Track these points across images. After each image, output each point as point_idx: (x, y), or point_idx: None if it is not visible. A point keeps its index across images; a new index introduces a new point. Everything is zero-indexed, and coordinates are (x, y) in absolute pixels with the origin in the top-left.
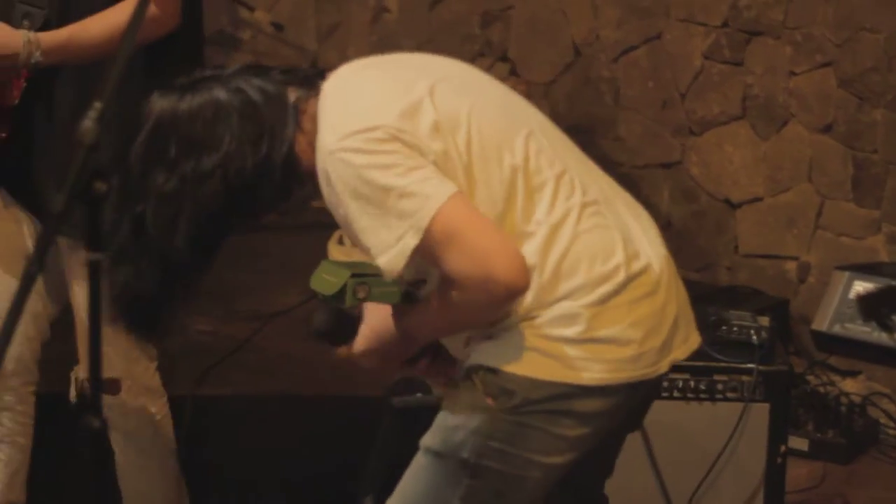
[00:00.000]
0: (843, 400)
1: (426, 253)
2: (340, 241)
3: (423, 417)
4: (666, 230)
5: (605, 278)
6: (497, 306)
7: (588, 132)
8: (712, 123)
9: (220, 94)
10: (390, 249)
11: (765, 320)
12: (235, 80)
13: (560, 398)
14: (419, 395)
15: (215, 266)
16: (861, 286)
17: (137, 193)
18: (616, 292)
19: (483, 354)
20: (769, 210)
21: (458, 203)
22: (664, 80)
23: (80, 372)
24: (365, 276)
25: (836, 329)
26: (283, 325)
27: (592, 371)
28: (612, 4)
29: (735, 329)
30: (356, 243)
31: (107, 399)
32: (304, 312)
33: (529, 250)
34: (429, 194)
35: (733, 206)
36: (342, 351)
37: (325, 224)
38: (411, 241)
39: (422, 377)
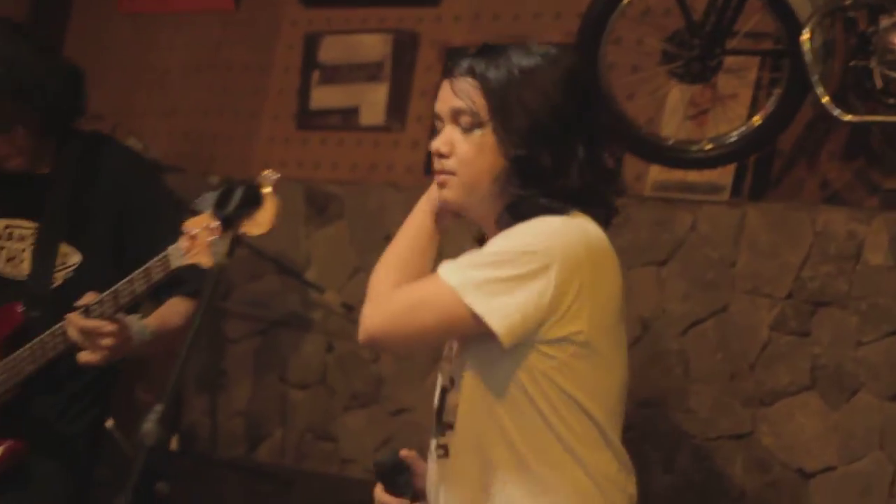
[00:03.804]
0: None
1: None
2: None
3: None
4: (739, 502)
5: None
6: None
7: (659, 405)
8: (782, 394)
9: None
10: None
11: None
12: None
13: None
14: None
15: None
16: None
17: None
18: None
19: None
20: (842, 479)
21: None
22: (732, 352)
23: None
24: None
25: None
26: None
27: None
28: (678, 278)
29: None
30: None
31: None
32: None
33: None
34: None
35: (807, 475)
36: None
37: None
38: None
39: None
